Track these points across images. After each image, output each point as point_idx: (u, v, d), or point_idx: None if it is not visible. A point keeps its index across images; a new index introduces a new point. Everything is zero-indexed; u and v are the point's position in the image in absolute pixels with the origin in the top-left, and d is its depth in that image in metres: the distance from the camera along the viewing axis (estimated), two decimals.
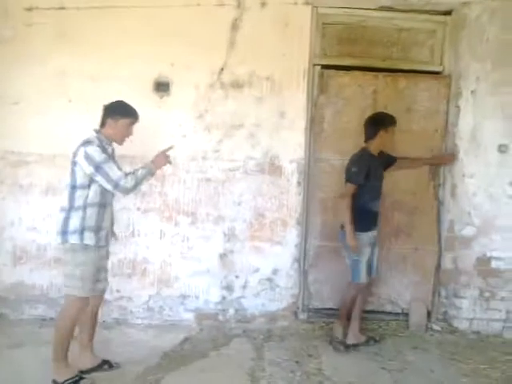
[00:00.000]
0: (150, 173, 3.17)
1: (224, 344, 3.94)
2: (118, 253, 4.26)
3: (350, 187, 3.83)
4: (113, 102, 3.25)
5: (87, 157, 3.00)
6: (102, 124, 3.21)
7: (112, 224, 3.33)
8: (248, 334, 4.14)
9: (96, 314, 3.37)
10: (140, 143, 4.20)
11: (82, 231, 3.03)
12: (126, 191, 3.09)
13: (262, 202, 4.29)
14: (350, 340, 3.99)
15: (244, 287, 4.33)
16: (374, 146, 3.93)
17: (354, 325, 4.03)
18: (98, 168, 3.01)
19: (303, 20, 4.22)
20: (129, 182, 3.04)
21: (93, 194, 3.06)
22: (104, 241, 3.18)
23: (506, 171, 4.40)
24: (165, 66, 4.23)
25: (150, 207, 4.26)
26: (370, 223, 3.91)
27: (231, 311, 4.34)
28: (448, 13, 4.43)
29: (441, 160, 4.46)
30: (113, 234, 3.37)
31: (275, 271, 4.32)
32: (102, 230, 3.13)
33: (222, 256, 4.32)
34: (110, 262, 4.23)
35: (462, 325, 4.43)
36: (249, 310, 4.33)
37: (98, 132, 3.19)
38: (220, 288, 4.33)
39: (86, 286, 3.10)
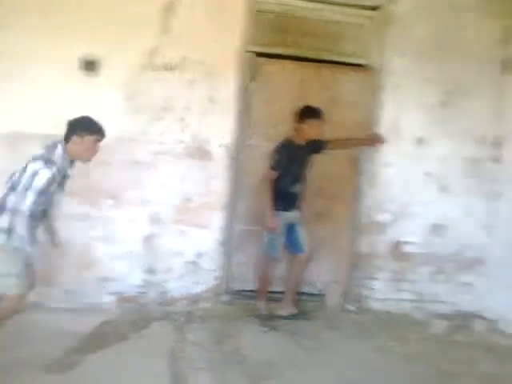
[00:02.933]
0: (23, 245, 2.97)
1: (144, 327, 3.92)
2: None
3: (270, 173, 4.12)
4: (78, 118, 3.13)
5: (35, 174, 2.91)
6: (67, 139, 3.08)
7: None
8: (169, 317, 4.14)
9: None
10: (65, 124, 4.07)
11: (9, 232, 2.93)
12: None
13: (190, 186, 4.28)
14: (282, 311, 4.30)
15: (168, 270, 4.31)
16: (296, 136, 4.19)
17: (286, 297, 4.33)
18: (29, 186, 2.91)
19: (237, 6, 4.20)
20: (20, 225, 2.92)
21: None
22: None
23: (422, 162, 4.68)
24: (94, 44, 4.04)
25: (73, 189, 4.09)
26: (288, 204, 4.20)
27: (153, 294, 4.30)
28: (375, 8, 4.58)
29: (371, 141, 4.59)
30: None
31: (199, 255, 4.34)
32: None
33: (147, 239, 4.27)
34: None
35: (374, 305, 4.70)
36: (171, 292, 4.32)
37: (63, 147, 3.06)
38: (143, 271, 4.29)
39: (23, 283, 3.04)
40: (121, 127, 4.14)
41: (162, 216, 4.27)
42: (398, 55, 4.54)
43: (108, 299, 4.25)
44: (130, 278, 4.28)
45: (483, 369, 3.68)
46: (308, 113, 4.13)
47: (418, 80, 4.58)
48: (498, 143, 4.76)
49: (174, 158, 4.25)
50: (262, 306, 4.28)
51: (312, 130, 4.13)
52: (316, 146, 4.36)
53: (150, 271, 4.31)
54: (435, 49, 4.57)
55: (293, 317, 4.29)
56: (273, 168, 4.12)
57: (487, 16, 4.60)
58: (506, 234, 4.66)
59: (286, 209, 4.18)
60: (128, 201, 4.22)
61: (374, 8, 4.58)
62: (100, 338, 3.68)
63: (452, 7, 4.56)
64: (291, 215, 4.24)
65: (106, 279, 4.25)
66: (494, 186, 4.79)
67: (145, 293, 4.31)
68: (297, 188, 4.25)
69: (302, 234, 4.31)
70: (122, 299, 4.27)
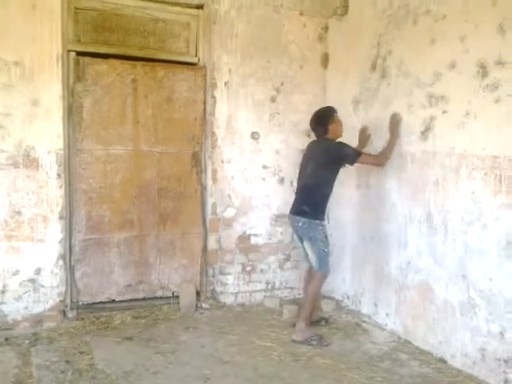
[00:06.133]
0: None
1: None
2: None
3: (364, 155, 4.04)
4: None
5: None
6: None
7: None
8: (11, 342, 3.78)
9: None
10: None
11: None
12: None
13: (18, 199, 3.93)
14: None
15: (2, 292, 3.93)
16: (338, 134, 4.15)
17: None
18: None
19: (53, 2, 3.95)
20: None
21: None
22: None
23: (258, 156, 4.88)
24: None
25: None
26: (325, 212, 4.13)
27: None
28: (200, 7, 4.63)
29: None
30: None
31: (38, 271, 4.03)
32: None
33: None
34: None
35: (228, 299, 4.79)
36: (10, 315, 3.96)
37: None
38: None
39: None
40: None
41: None
42: (227, 53, 4.68)
43: None
44: None
45: (332, 347, 3.92)
46: (334, 111, 4.15)
47: (248, 77, 4.77)
48: None
49: None
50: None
51: (341, 127, 4.15)
52: None
53: None
54: (259, 46, 4.79)
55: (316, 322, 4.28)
56: (359, 152, 4.05)
57: (305, 14, 4.94)
58: (341, 218, 4.99)
59: (325, 218, 4.12)
60: None
61: (198, 6, 4.63)
62: None
63: (269, 5, 4.80)
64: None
65: None
66: None
67: None
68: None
69: None
70: None
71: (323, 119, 4.12)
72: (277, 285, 5.00)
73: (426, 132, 3.81)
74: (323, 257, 4.03)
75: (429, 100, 3.77)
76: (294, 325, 4.13)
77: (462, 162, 3.48)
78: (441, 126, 3.68)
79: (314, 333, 4.03)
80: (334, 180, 4.08)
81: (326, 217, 4.10)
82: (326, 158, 4.01)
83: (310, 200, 4.05)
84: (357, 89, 4.65)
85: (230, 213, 4.79)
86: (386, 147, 4.11)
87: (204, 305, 4.69)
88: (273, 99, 4.88)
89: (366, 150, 4.35)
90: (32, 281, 4.02)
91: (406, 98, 4.01)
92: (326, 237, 4.05)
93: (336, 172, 4.06)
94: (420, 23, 3.86)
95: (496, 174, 3.23)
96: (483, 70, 3.30)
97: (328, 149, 4.03)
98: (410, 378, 3.40)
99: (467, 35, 3.42)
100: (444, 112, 3.64)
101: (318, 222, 4.01)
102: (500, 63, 3.18)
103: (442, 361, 3.63)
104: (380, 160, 4.12)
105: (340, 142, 4.05)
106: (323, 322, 4.36)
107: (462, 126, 3.48)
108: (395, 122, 4.10)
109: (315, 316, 4.31)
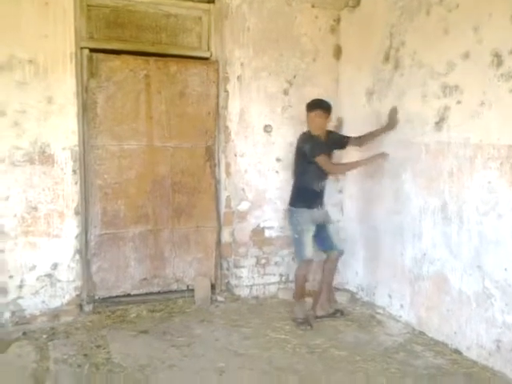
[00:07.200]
0: None
1: (1, 351, 3.59)
2: None
3: (322, 157, 4.05)
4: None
5: None
6: None
7: None
8: (29, 336, 3.84)
9: None
10: None
11: None
12: None
13: (34, 195, 3.98)
14: (319, 312, 4.30)
15: (20, 287, 3.99)
16: (311, 129, 4.19)
17: (322, 298, 4.29)
18: None
19: (65, 0, 3.97)
20: None
21: None
22: None
23: (271, 149, 4.87)
24: None
25: None
26: (312, 201, 4.19)
27: (7, 314, 3.96)
28: (211, 1, 4.63)
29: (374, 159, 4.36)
30: None
31: (55, 266, 4.08)
32: None
33: None
34: None
35: (243, 292, 4.82)
36: (27, 310, 4.02)
37: None
38: None
39: None
40: None
41: (7, 229, 3.93)
42: (239, 47, 4.67)
43: None
44: None
45: (347, 339, 3.93)
46: (311, 107, 4.17)
47: (260, 70, 4.76)
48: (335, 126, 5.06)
49: (13, 167, 3.91)
50: (298, 309, 4.25)
51: (313, 125, 4.15)
52: (339, 141, 4.38)
53: (1, 291, 3.94)
54: (271, 39, 4.76)
55: (332, 314, 4.34)
56: (320, 153, 4.03)
57: (317, 7, 4.91)
58: (354, 210, 4.99)
59: (310, 206, 4.17)
60: None
61: (209, 1, 4.63)
62: None
63: None
64: (319, 213, 4.21)
65: None
66: None
67: None
68: (321, 185, 4.23)
69: (332, 231, 4.33)
70: None
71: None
72: (291, 277, 4.98)
73: (440, 122, 3.78)
74: (295, 244, 4.24)
75: (443, 90, 3.74)
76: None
77: (478, 152, 3.45)
78: (455, 117, 3.65)
79: (304, 315, 4.18)
80: (309, 171, 4.13)
81: (305, 205, 4.15)
82: (297, 151, 4.22)
83: (292, 190, 4.33)
84: (370, 80, 4.62)
85: (243, 206, 4.80)
86: (354, 162, 4.33)
87: (219, 298, 4.72)
88: (285, 92, 4.87)
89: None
90: (49, 275, 4.08)
91: (419, 88, 3.97)
92: (298, 224, 4.14)
93: (307, 164, 4.10)
94: (433, 13, 3.83)
95: None
96: (498, 60, 3.26)
97: (298, 142, 4.22)
98: (425, 370, 3.40)
99: (481, 25, 3.38)
100: (458, 102, 3.61)
101: (294, 209, 4.21)
102: None
103: (457, 352, 3.62)
104: (333, 169, 4.28)
105: (307, 138, 4.15)
106: (338, 314, 4.36)
107: (476, 115, 3.45)
108: (392, 117, 4.21)
109: (331, 308, 4.35)
